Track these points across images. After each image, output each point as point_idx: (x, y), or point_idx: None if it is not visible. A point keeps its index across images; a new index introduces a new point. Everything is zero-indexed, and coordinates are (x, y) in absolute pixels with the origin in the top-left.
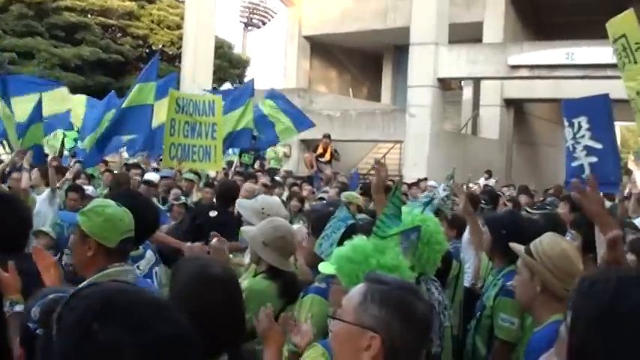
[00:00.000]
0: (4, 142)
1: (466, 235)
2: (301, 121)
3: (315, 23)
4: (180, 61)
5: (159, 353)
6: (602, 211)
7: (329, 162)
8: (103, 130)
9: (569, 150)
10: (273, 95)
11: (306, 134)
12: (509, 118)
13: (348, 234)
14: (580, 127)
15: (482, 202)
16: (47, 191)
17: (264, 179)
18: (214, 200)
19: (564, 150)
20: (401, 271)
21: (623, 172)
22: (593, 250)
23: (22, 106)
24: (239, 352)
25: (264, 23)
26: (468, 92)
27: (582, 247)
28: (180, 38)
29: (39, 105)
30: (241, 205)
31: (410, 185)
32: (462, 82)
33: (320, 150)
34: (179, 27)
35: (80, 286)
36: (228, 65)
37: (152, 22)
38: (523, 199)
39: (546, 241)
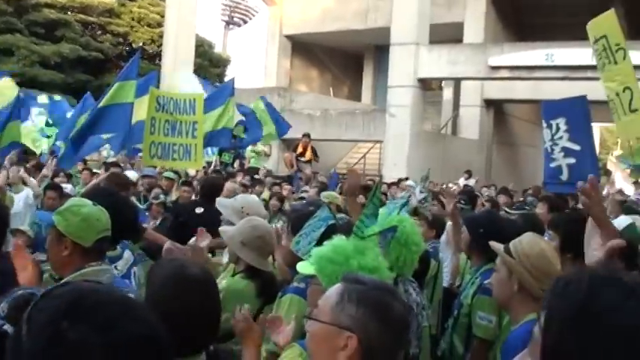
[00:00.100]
0: None
1: (444, 235)
2: (282, 126)
3: (296, 22)
4: (160, 60)
5: (128, 352)
6: (604, 215)
7: (309, 161)
8: (78, 129)
9: (548, 151)
10: (264, 99)
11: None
12: (489, 118)
13: (327, 234)
14: (558, 128)
15: (462, 202)
16: (26, 190)
17: (242, 179)
18: (194, 198)
19: (543, 151)
20: (381, 272)
21: (602, 173)
22: (572, 249)
23: None
24: (216, 352)
25: (245, 22)
26: (448, 92)
27: (560, 248)
28: (161, 36)
29: (16, 102)
30: (221, 203)
31: (389, 185)
32: (443, 82)
33: (300, 149)
34: (159, 25)
35: (53, 286)
36: (208, 64)
37: (132, 19)
38: (502, 199)
39: (526, 240)
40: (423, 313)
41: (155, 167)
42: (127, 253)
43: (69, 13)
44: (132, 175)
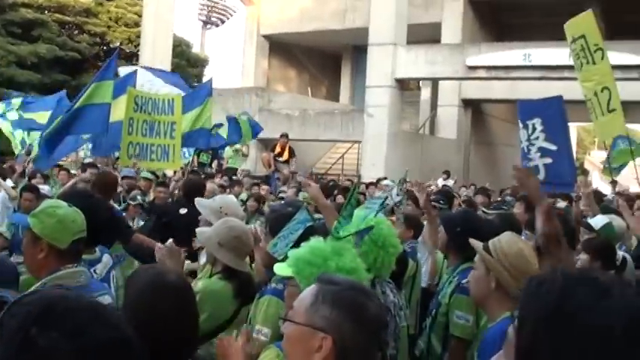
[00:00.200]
0: None
1: (422, 235)
2: (255, 126)
3: (273, 22)
4: (138, 59)
5: (97, 358)
6: (534, 187)
7: (287, 161)
8: (53, 130)
9: (524, 151)
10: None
11: (264, 133)
12: (467, 118)
13: (305, 235)
14: (534, 128)
15: (440, 202)
16: (2, 192)
17: (220, 179)
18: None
19: (520, 151)
20: (358, 273)
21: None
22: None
23: None
24: (194, 358)
25: (222, 22)
26: (426, 92)
27: (536, 247)
28: (138, 36)
29: None
30: (200, 204)
31: (368, 185)
32: (420, 82)
33: (278, 149)
34: (137, 24)
35: (24, 293)
36: (186, 64)
37: (110, 19)
38: (479, 199)
39: (505, 239)
40: (401, 314)
41: (133, 167)
42: (106, 257)
43: (46, 12)
44: None
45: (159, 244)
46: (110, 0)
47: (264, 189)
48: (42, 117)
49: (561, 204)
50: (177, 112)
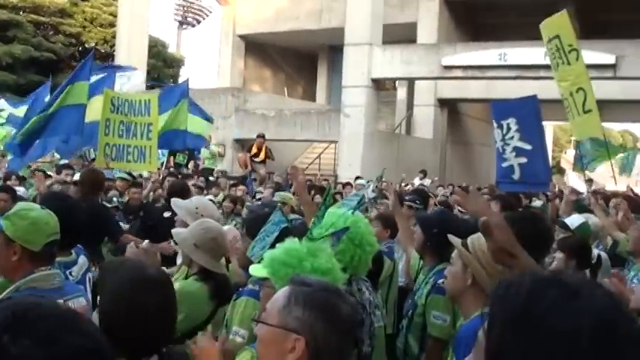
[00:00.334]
0: None
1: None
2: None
3: (249, 22)
4: (113, 60)
5: None
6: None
7: (263, 162)
8: (24, 132)
9: (499, 151)
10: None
11: (240, 134)
12: (443, 117)
13: (280, 237)
14: (509, 128)
15: (416, 202)
16: None
17: (196, 181)
18: (144, 200)
19: (495, 150)
20: (334, 273)
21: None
22: (523, 247)
23: None
24: (170, 354)
25: (198, 22)
26: (402, 92)
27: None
28: (114, 36)
29: None
30: (176, 204)
31: (344, 185)
32: (396, 82)
33: (254, 150)
34: (112, 25)
35: None
36: (162, 64)
37: (85, 19)
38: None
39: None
40: (376, 312)
41: (106, 168)
42: (82, 259)
43: (21, 13)
44: None
45: (132, 244)
46: (85, 0)
47: (240, 189)
48: (21, 111)
49: (537, 203)
50: (154, 113)
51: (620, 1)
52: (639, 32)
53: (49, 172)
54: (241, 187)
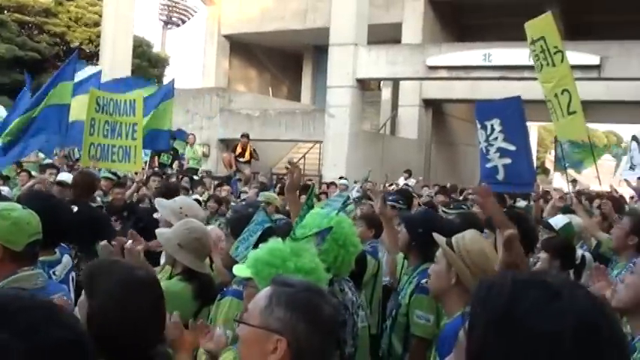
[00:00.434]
0: None
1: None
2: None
3: (234, 22)
4: (98, 60)
5: (51, 358)
6: (497, 211)
7: (248, 162)
8: (8, 132)
9: (483, 152)
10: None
11: (225, 133)
12: (428, 118)
13: (264, 237)
14: (493, 129)
15: (399, 202)
16: None
17: (181, 181)
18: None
19: (479, 151)
20: (317, 273)
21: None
22: None
23: None
24: (153, 355)
25: (183, 22)
26: (386, 93)
27: (495, 246)
28: (99, 36)
29: None
30: (160, 204)
31: (329, 185)
32: (381, 82)
33: (239, 150)
34: (97, 24)
35: None
36: (147, 64)
37: (70, 19)
38: (440, 198)
39: (468, 237)
40: (359, 313)
41: (92, 168)
42: (66, 258)
43: (5, 12)
44: (66, 177)
45: (104, 242)
46: (70, 0)
47: (225, 189)
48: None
49: (521, 203)
50: (139, 113)
51: (604, 3)
52: (623, 33)
53: (33, 172)
54: (226, 187)
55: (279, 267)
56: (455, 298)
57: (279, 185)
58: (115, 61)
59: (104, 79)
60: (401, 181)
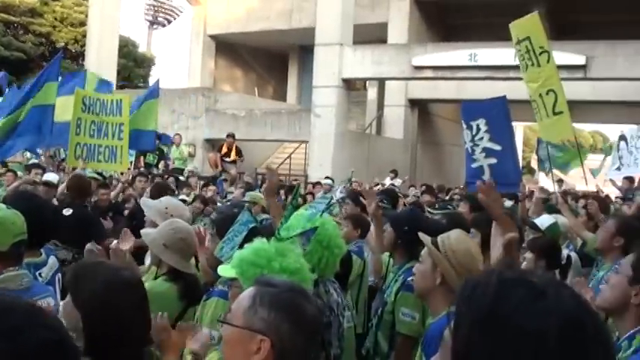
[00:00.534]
0: None
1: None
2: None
3: (220, 22)
4: (83, 59)
5: (34, 358)
6: (502, 212)
7: (234, 162)
8: None
9: (469, 152)
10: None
11: (211, 133)
12: (414, 118)
13: (249, 237)
14: (478, 129)
15: (383, 201)
16: None
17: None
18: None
19: (465, 151)
20: (302, 273)
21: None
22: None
23: None
24: (144, 354)
25: (169, 22)
26: (372, 92)
27: (481, 246)
28: (84, 36)
29: None
30: (146, 204)
31: (314, 184)
32: (367, 82)
33: (224, 150)
34: (83, 24)
35: None
36: (133, 64)
37: (55, 19)
38: (426, 197)
39: (454, 236)
40: (344, 314)
41: (80, 168)
42: (52, 259)
43: None
44: (52, 177)
45: (89, 246)
46: (55, 0)
47: (211, 190)
48: None
49: (507, 203)
50: (125, 113)
51: (589, 3)
52: (609, 33)
53: (19, 173)
54: (212, 187)
55: (264, 267)
56: (440, 298)
57: (264, 185)
58: (100, 61)
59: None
60: (387, 181)
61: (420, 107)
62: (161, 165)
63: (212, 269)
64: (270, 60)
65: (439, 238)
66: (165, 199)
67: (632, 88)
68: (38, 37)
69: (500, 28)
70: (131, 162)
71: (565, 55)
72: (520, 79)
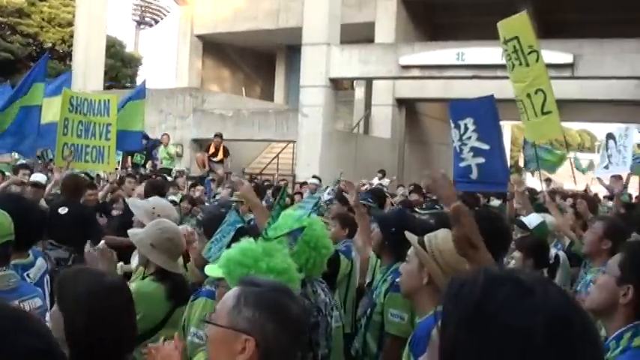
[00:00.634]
0: None
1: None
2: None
3: (207, 22)
4: (71, 60)
5: None
6: (446, 191)
7: (221, 161)
8: None
9: (457, 151)
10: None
11: (198, 133)
12: (401, 117)
13: (236, 237)
14: (466, 128)
15: (368, 200)
16: None
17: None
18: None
19: (453, 150)
20: (290, 273)
21: (514, 170)
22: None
23: None
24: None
25: (156, 22)
26: (360, 92)
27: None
28: (72, 36)
29: None
30: (133, 204)
31: (302, 184)
32: (354, 81)
33: (212, 149)
34: (70, 24)
35: None
36: (120, 65)
37: (43, 19)
38: (414, 197)
39: (441, 236)
40: (332, 314)
41: (66, 168)
42: (40, 261)
43: None
44: (40, 178)
45: (87, 245)
46: (43, 0)
47: (198, 190)
48: None
49: (495, 202)
50: (113, 113)
51: (577, 2)
52: (597, 32)
53: (7, 173)
54: (199, 187)
55: (251, 267)
56: (427, 297)
57: (252, 185)
58: (88, 61)
59: (78, 78)
60: (375, 181)
61: (407, 106)
62: (149, 165)
63: (199, 269)
64: (258, 60)
65: (426, 238)
66: (153, 199)
67: (620, 87)
68: (26, 38)
69: (488, 27)
70: (118, 162)
71: (552, 53)
72: (508, 78)
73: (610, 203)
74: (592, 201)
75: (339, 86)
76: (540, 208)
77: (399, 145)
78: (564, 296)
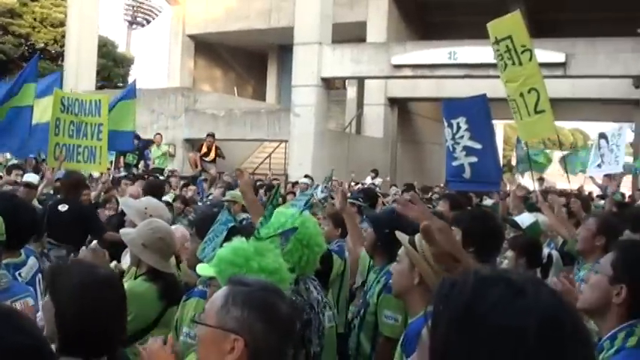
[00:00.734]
0: None
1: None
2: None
3: (199, 22)
4: (63, 60)
5: None
6: (413, 212)
7: (213, 161)
8: None
9: (449, 150)
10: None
11: (190, 133)
12: (393, 116)
13: (228, 236)
14: (459, 127)
15: (359, 199)
16: None
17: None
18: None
19: (446, 149)
20: (281, 273)
21: (506, 170)
22: (473, 245)
23: None
24: (119, 354)
25: (148, 22)
26: (352, 91)
27: (461, 244)
28: (64, 36)
29: None
30: (125, 204)
31: (294, 184)
32: (346, 81)
33: (204, 149)
34: (62, 24)
35: None
36: (112, 64)
37: (34, 19)
38: (407, 196)
39: None
40: (326, 312)
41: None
42: (32, 260)
43: None
44: (33, 178)
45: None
46: (35, 1)
47: (191, 189)
48: None
49: (488, 201)
50: (104, 113)
51: (569, 1)
52: (589, 30)
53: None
54: (192, 187)
55: (242, 266)
56: (418, 298)
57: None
58: (79, 61)
59: (70, 78)
60: (368, 181)
61: (399, 106)
62: (141, 165)
63: (191, 269)
64: (250, 59)
65: (417, 238)
66: (146, 199)
67: (612, 86)
68: (17, 38)
69: (480, 26)
70: (111, 162)
71: (545, 52)
72: (499, 77)
73: (602, 202)
74: (585, 200)
75: (331, 86)
76: (533, 208)
77: (392, 144)
78: (556, 297)
